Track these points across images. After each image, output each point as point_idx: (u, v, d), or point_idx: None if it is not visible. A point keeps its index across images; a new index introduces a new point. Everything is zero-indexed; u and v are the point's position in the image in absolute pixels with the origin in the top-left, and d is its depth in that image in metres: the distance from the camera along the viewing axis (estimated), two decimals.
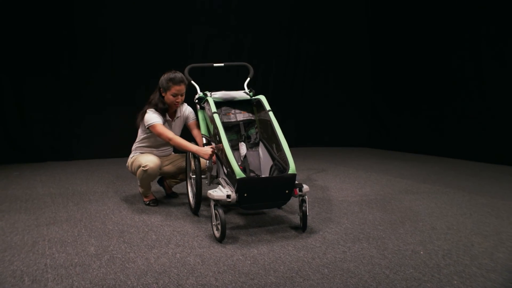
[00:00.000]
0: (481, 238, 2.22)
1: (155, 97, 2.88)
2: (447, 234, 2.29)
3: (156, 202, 3.01)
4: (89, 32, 5.20)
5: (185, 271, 1.85)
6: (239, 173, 2.11)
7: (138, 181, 2.94)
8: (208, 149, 2.55)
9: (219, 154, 2.48)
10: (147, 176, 2.81)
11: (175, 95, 2.81)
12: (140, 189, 3.00)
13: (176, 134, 2.88)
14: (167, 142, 2.86)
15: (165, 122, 2.88)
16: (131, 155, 3.02)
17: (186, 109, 3.03)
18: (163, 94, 2.85)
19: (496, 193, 3.28)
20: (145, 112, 2.84)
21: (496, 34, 4.65)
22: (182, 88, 2.82)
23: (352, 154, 5.62)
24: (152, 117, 2.80)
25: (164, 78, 2.82)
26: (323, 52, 6.32)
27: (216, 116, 2.45)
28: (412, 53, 5.65)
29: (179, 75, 2.82)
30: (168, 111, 2.92)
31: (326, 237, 2.26)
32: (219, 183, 2.48)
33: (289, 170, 2.19)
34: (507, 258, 1.95)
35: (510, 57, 4.54)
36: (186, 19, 5.63)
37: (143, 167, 2.78)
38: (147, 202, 3.00)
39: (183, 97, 2.88)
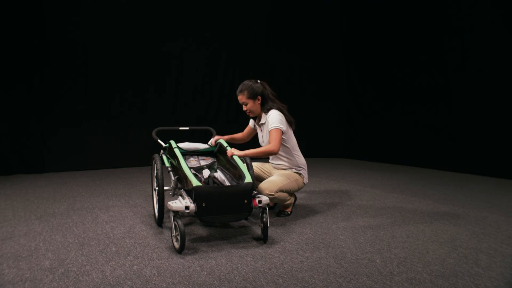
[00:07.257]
0: (436, 245, 2.27)
1: None
2: (405, 242, 2.33)
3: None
4: (62, 42, 5.14)
5: (140, 283, 1.83)
6: (195, 182, 2.12)
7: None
8: None
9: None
10: None
11: (241, 104, 2.88)
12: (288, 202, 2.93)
13: (266, 141, 2.85)
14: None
15: (259, 130, 3.03)
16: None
17: (269, 116, 2.82)
18: None
19: (458, 201, 3.37)
20: None
21: (462, 48, 4.82)
22: (240, 97, 2.84)
23: (327, 165, 5.68)
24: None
25: None
26: (299, 63, 6.42)
27: (176, 150, 2.64)
28: (385, 66, 5.79)
29: (245, 82, 2.85)
30: (256, 119, 3.03)
31: (286, 247, 2.27)
32: (181, 195, 2.47)
33: (245, 179, 2.22)
34: (456, 263, 2.00)
35: (474, 71, 4.71)
36: (162, 31, 5.65)
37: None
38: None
39: (249, 106, 2.85)
